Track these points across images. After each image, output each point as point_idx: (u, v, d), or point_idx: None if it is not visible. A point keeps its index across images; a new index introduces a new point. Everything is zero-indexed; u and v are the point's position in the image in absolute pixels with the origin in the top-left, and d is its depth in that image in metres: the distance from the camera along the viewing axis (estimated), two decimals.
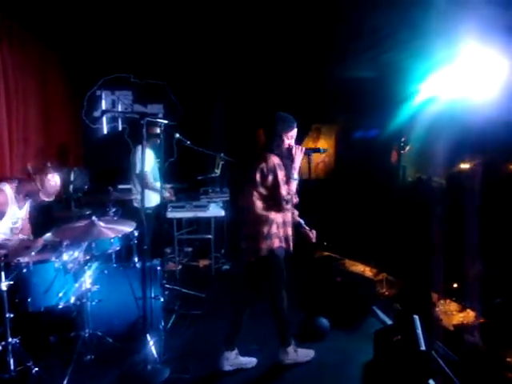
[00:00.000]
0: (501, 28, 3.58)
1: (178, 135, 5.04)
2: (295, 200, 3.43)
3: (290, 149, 3.41)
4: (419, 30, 4.48)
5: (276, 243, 3.36)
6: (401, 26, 4.61)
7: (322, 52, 5.94)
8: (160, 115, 7.45)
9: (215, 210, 5.97)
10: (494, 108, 4.01)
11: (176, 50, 6.66)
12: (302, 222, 3.71)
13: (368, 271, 5.65)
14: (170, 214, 5.76)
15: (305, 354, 3.67)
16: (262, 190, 3.34)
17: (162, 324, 3.99)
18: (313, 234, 3.64)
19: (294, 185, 3.35)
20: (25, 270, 3.33)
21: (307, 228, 3.67)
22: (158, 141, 5.33)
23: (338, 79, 6.14)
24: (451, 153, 4.93)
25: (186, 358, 3.68)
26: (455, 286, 4.46)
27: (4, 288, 3.09)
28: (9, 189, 3.76)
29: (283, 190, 3.27)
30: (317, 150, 3.73)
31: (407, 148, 5.99)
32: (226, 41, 5.95)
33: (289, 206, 3.36)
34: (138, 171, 5.28)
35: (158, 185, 5.29)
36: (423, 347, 3.06)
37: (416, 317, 3.35)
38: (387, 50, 5.14)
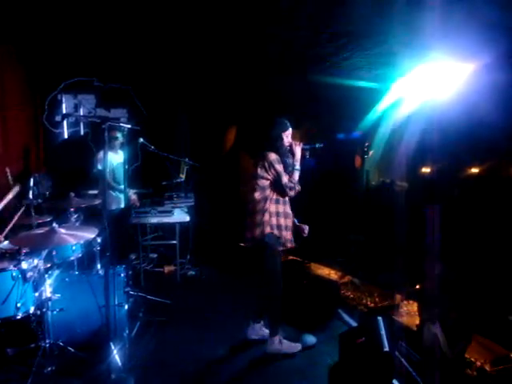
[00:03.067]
0: (464, 33, 3.69)
1: (141, 140, 5.00)
2: (298, 188, 3.85)
3: (290, 145, 3.91)
4: (382, 37, 4.58)
5: (267, 230, 3.76)
6: (363, 33, 4.70)
7: (284, 59, 5.98)
8: (123, 119, 7.34)
9: (180, 216, 5.92)
10: (454, 113, 4.13)
11: (140, 54, 6.59)
12: (295, 220, 4.08)
13: (333, 274, 5.71)
14: (135, 220, 5.68)
15: (289, 346, 3.86)
16: (262, 182, 3.80)
17: (127, 332, 3.91)
18: (305, 229, 4.04)
19: (296, 175, 3.86)
20: None
21: (299, 224, 4.06)
22: (117, 142, 5.35)
23: (303, 85, 6.21)
24: (413, 157, 5.06)
25: (151, 366, 3.64)
26: (418, 287, 4.55)
27: None
28: None
29: (285, 178, 3.76)
30: (313, 146, 4.06)
31: (370, 153, 6.09)
32: (189, 45, 5.92)
33: (293, 193, 3.82)
34: (95, 170, 5.44)
35: (121, 187, 5.28)
36: (387, 348, 3.11)
37: (380, 318, 3.39)
38: (350, 56, 5.23)
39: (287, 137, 3.90)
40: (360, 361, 3.21)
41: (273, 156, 3.77)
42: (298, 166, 3.89)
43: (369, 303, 4.84)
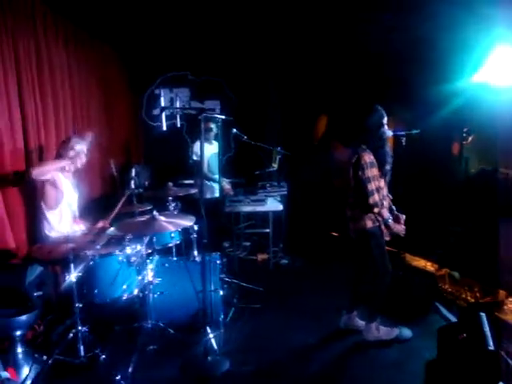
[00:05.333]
0: None
1: (235, 130, 5.10)
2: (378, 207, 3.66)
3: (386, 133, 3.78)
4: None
5: (369, 224, 3.70)
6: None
7: (379, 42, 5.76)
8: (217, 111, 7.56)
9: (273, 205, 5.96)
10: None
11: (230, 46, 6.73)
12: (393, 207, 3.98)
13: (429, 266, 5.47)
14: (229, 209, 5.81)
15: (387, 333, 3.83)
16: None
17: (222, 317, 4.04)
18: (401, 219, 3.90)
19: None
20: (91, 263, 3.49)
21: (396, 213, 3.95)
22: (212, 134, 5.55)
23: (394, 72, 5.94)
24: None
25: (246, 351, 3.73)
26: None
27: (74, 279, 3.26)
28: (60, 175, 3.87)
29: (371, 186, 3.58)
30: (409, 132, 4.03)
31: (470, 138, 5.72)
32: (277, 31, 5.93)
33: (371, 202, 3.59)
34: (191, 161, 5.81)
35: (216, 177, 5.48)
36: (492, 347, 2.92)
37: (483, 314, 3.20)
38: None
39: (386, 124, 3.77)
40: (461, 358, 3.06)
41: (367, 158, 3.62)
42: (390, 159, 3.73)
43: (469, 298, 4.57)
